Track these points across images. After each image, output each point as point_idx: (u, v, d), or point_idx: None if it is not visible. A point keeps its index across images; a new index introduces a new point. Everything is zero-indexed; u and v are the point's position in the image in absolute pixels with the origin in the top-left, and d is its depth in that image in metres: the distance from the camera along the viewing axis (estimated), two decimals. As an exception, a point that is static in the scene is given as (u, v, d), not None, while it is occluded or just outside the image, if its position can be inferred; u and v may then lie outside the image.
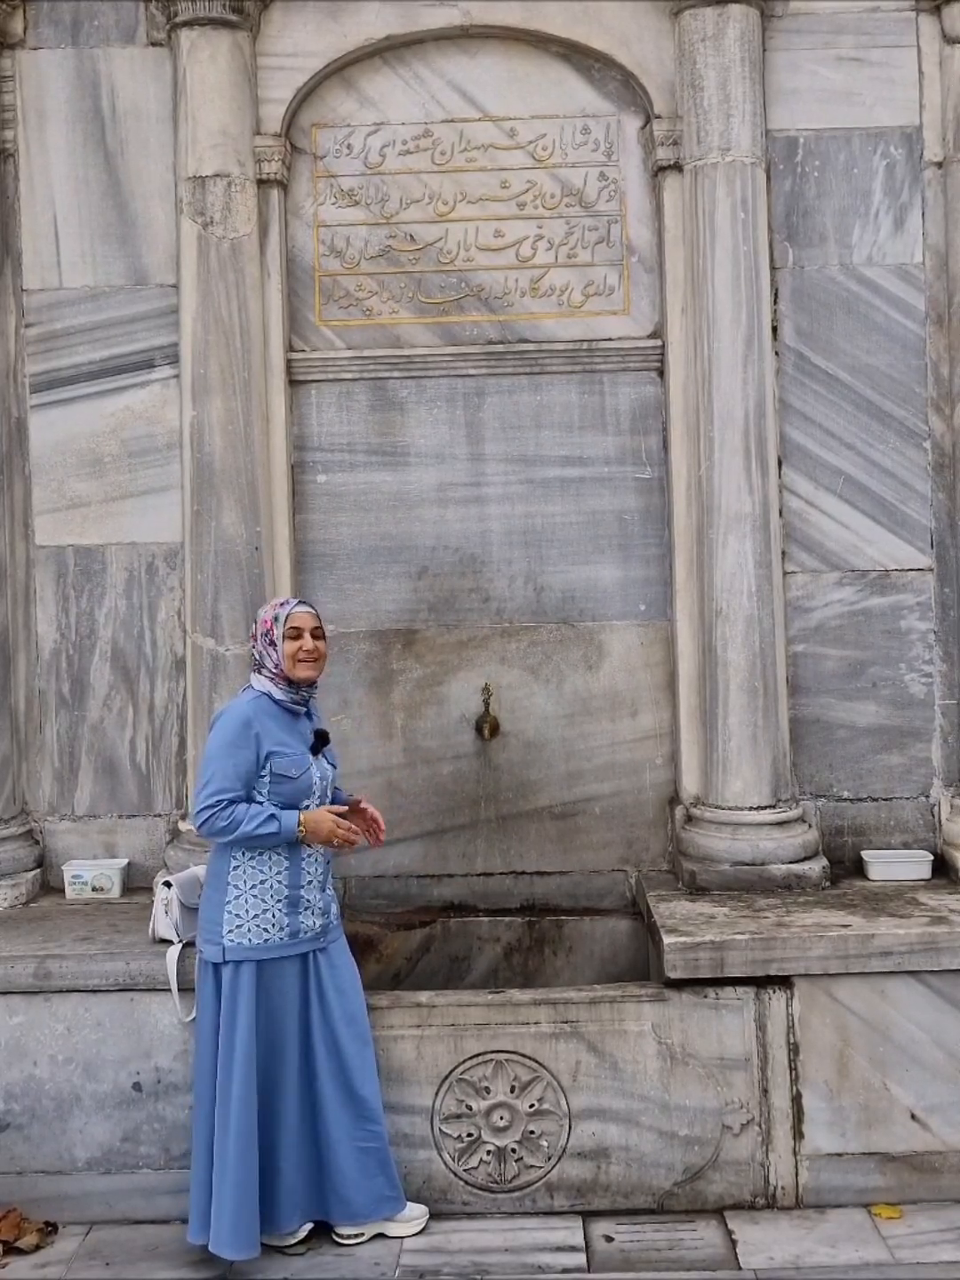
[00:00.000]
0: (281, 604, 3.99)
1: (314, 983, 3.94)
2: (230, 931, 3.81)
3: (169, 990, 4.11)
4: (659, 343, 4.90)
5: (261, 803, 3.82)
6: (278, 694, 3.90)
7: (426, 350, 4.95)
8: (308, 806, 3.86)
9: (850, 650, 4.91)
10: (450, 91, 4.95)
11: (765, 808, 4.69)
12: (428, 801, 5.04)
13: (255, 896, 3.84)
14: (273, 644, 3.89)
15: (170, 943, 4.18)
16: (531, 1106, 4.13)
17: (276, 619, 3.91)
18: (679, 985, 4.12)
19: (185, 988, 4.10)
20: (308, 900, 3.91)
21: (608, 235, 4.95)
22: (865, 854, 4.82)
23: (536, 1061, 4.13)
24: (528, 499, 4.99)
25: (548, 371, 4.96)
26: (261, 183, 4.83)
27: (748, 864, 4.62)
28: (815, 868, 4.64)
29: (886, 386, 4.86)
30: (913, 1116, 4.12)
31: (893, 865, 4.76)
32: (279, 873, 3.85)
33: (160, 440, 4.92)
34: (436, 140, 4.96)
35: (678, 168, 4.79)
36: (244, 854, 3.83)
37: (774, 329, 4.82)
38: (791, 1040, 4.11)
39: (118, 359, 4.93)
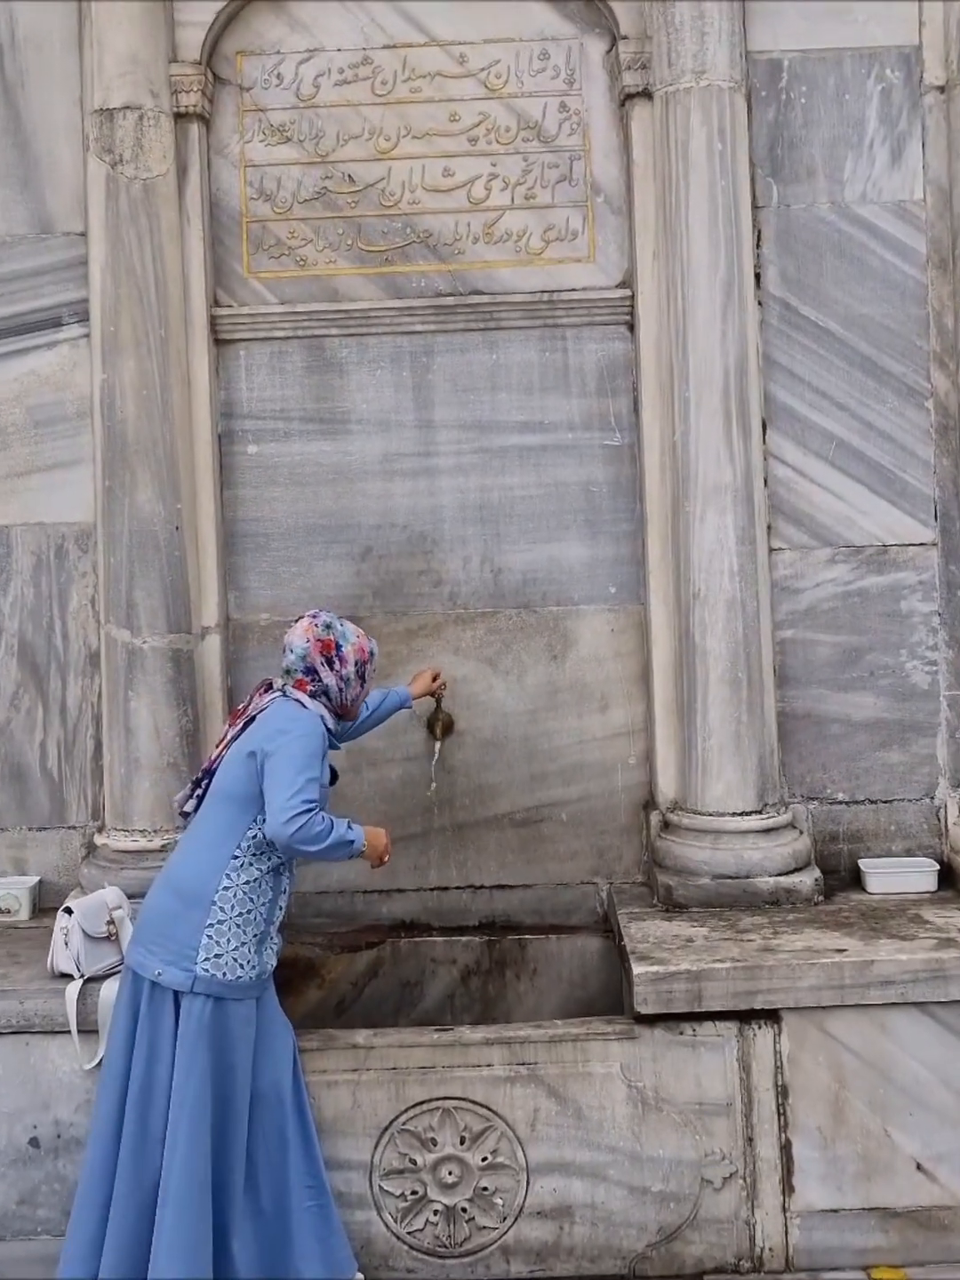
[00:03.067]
0: (369, 636, 3.65)
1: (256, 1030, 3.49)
2: (206, 960, 3.32)
3: (69, 1033, 3.58)
4: (628, 293, 4.37)
5: (244, 844, 3.43)
6: (330, 723, 3.54)
7: (368, 304, 4.42)
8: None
9: (845, 635, 4.39)
10: (392, 13, 4.42)
11: (750, 813, 4.18)
12: (375, 809, 4.53)
13: (237, 926, 3.37)
14: (362, 680, 3.58)
15: (70, 977, 3.66)
16: (484, 1160, 3.62)
17: (372, 654, 3.60)
18: (651, 1021, 3.61)
19: (86, 1029, 3.58)
20: (273, 939, 3.49)
21: (570, 173, 4.41)
22: (863, 863, 4.31)
23: (489, 1109, 3.62)
24: (483, 470, 4.46)
25: (504, 327, 4.43)
26: (179, 116, 4.29)
27: (731, 877, 4.11)
28: (806, 880, 4.12)
29: (883, 339, 4.33)
30: (918, 1167, 3.62)
31: (894, 876, 4.25)
32: (265, 903, 3.42)
33: (70, 408, 4.39)
34: (377, 68, 4.42)
35: (647, 95, 4.25)
36: (238, 874, 3.36)
37: (757, 276, 4.30)
38: (780, 1082, 3.61)
39: (20, 317, 4.40)
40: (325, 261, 4.45)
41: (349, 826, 3.40)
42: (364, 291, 4.44)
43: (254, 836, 3.37)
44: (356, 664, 3.55)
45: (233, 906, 3.36)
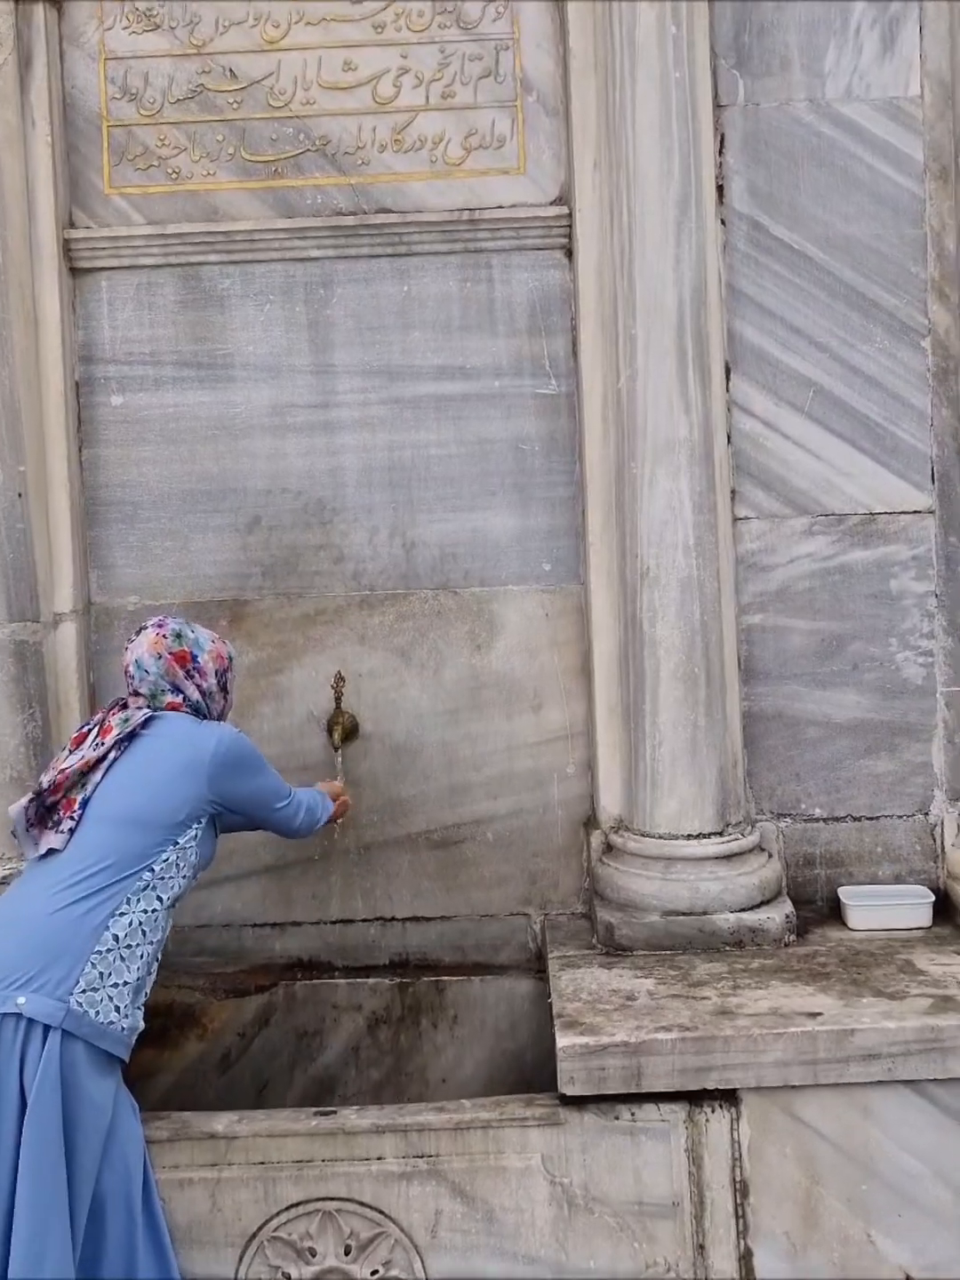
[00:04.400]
0: (225, 639, 3.30)
1: None
2: (84, 992, 2.78)
3: None
4: (565, 211, 3.63)
5: (155, 868, 2.95)
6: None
7: (253, 225, 3.68)
8: (189, 884, 3.06)
9: (824, 621, 3.67)
10: None
11: (708, 836, 3.47)
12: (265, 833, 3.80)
13: (122, 961, 2.87)
14: (225, 691, 3.20)
15: None
16: (374, 1273, 2.94)
17: (230, 660, 3.22)
18: (580, 1103, 2.92)
19: None
20: (145, 992, 2.95)
21: (496, 67, 3.66)
22: (844, 893, 3.61)
23: (380, 1211, 2.93)
24: (393, 424, 3.73)
25: (417, 252, 3.69)
26: (20, -4, 3.53)
27: (684, 913, 3.41)
28: (775, 917, 3.42)
29: (872, 265, 3.60)
30: (909, 1280, 2.92)
31: (881, 909, 3.55)
32: (152, 943, 2.95)
33: None
34: (264, -61, 3.67)
35: (587, -31, 3.50)
36: (137, 902, 2.88)
37: (719, 189, 3.56)
38: (738, 1177, 2.92)
39: None
40: (202, 174, 3.71)
41: (320, 799, 3.36)
42: (249, 210, 3.70)
43: (167, 861, 2.93)
44: (217, 673, 3.14)
45: (125, 935, 2.85)
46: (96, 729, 3.06)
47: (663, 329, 3.41)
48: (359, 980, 3.81)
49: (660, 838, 3.49)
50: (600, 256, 3.56)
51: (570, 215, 3.62)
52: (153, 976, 2.95)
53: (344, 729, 3.72)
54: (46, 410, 3.65)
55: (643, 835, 3.52)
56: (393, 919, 3.84)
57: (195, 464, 3.77)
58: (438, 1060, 3.77)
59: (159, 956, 2.98)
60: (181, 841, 2.96)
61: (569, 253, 3.65)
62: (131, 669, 3.10)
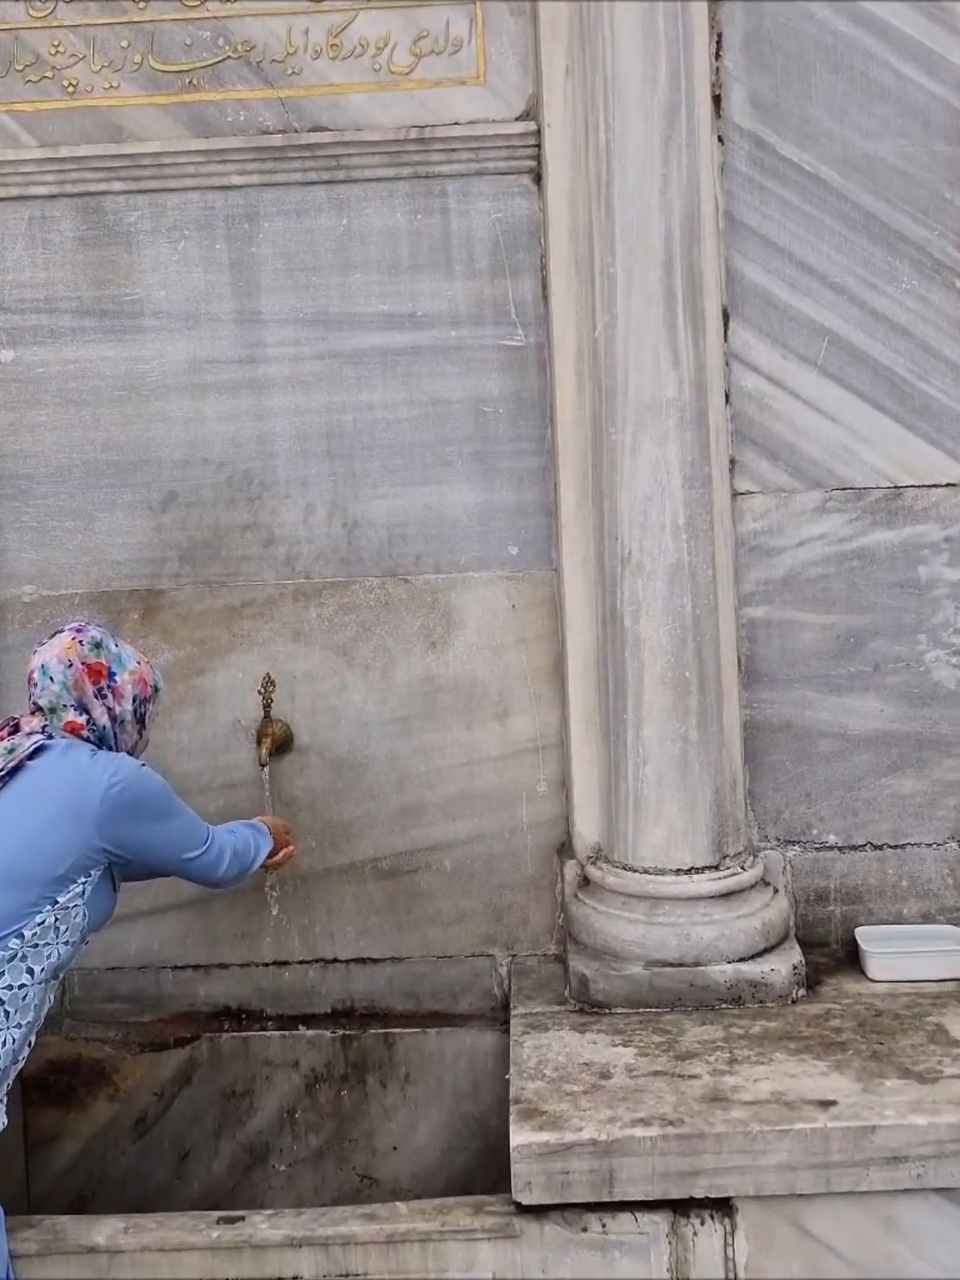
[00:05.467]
0: (153, 665, 2.75)
1: None
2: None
3: None
4: (532, 128, 3.05)
5: (25, 934, 2.40)
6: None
7: (164, 147, 3.11)
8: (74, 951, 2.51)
9: (840, 615, 3.11)
10: None
11: (702, 870, 2.92)
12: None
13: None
14: (141, 723, 2.66)
15: None
16: None
17: (156, 690, 2.69)
18: (541, 1211, 2.37)
19: None
20: (10, 1079, 2.44)
21: (451, -45, 3.08)
22: (862, 936, 3.06)
23: (296, 1343, 2.38)
24: (331, 383, 3.16)
25: (358, 178, 3.12)
26: None
27: (672, 965, 2.86)
28: (781, 968, 2.87)
29: (898, 190, 3.02)
30: None
31: (906, 956, 3.00)
32: (22, 1024, 2.40)
33: None
34: None
35: None
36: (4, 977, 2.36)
37: (715, 99, 2.99)
38: (734, 1302, 2.37)
39: None
40: (104, 86, 3.13)
41: (255, 836, 2.83)
42: (159, 129, 3.13)
43: (42, 924, 2.41)
44: (135, 701, 2.62)
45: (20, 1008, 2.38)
46: None
47: (647, 267, 2.85)
48: (295, 1032, 3.28)
49: (644, 872, 2.94)
50: (574, 181, 2.99)
51: (538, 133, 3.04)
52: (19, 1063, 2.43)
53: (275, 740, 3.17)
54: (-80, 367, 3.09)
55: (624, 869, 2.96)
56: (335, 960, 3.30)
57: (100, 430, 3.21)
58: (388, 1125, 3.24)
59: (31, 1040, 2.46)
60: (62, 900, 2.42)
61: (537, 178, 3.08)
62: (35, 675, 2.58)
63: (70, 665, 2.54)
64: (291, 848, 2.95)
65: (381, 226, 3.13)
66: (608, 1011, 2.86)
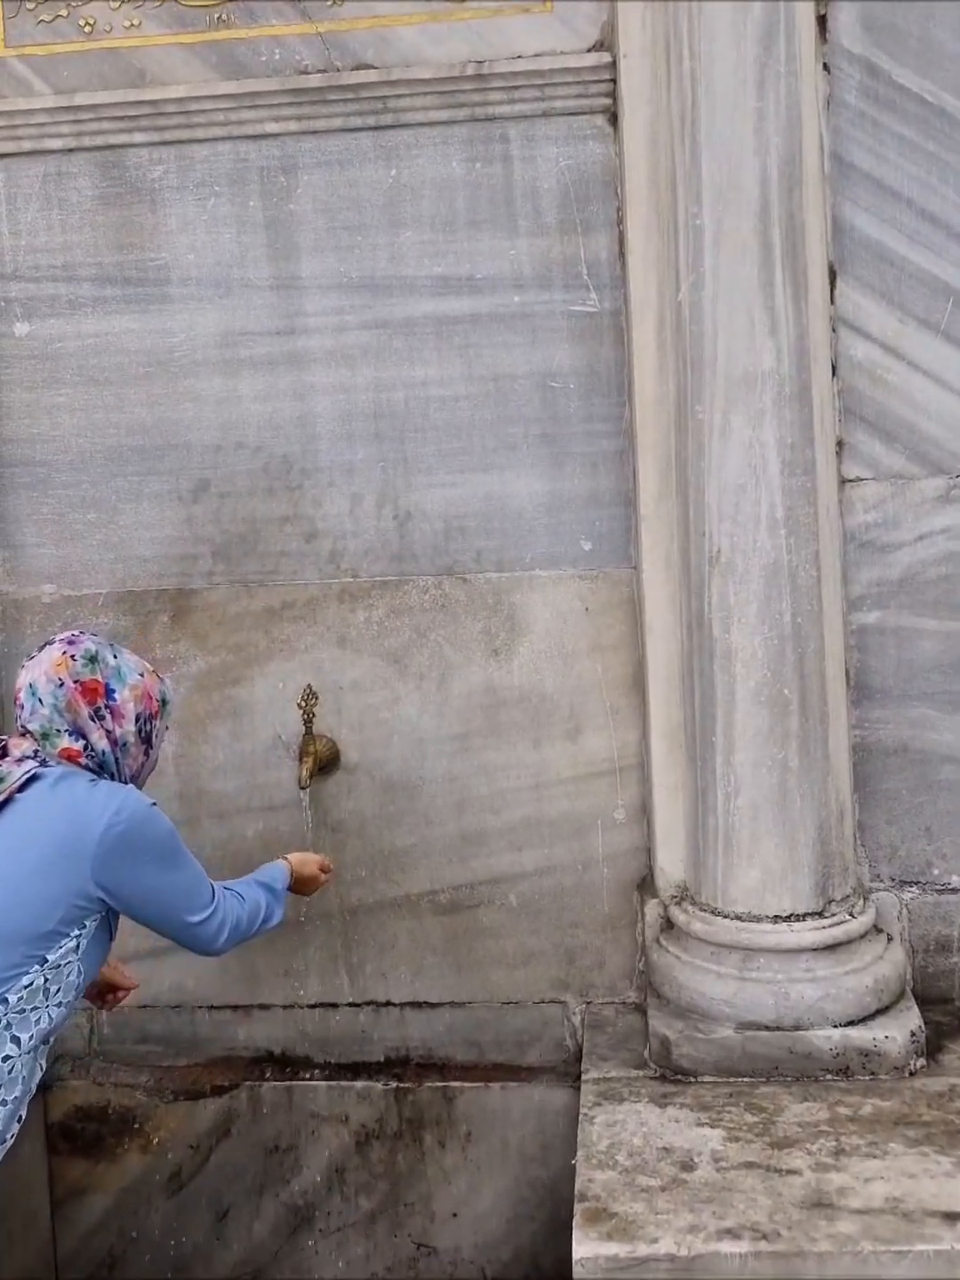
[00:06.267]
0: (160, 674, 2.36)
1: None
2: None
3: None
4: (607, 59, 2.65)
5: (11, 999, 2.06)
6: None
7: (191, 92, 2.75)
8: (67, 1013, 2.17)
9: (963, 619, 2.69)
10: None
11: (803, 917, 2.53)
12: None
13: None
14: (147, 743, 2.28)
15: None
16: None
17: (164, 703, 2.32)
18: (610, 1335, 2.00)
19: None
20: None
21: None
22: (989, 989, 2.64)
23: None
24: (380, 356, 2.79)
25: (408, 123, 2.74)
26: None
27: (768, 1028, 2.47)
28: (896, 1035, 2.47)
29: (1036, 123, 2.57)
30: None
31: (1041, 1015, 2.57)
32: (16, 1095, 2.10)
33: None
34: None
35: None
36: (22, 1032, 2.07)
37: (820, 20, 2.57)
38: None
39: None
40: (125, 25, 2.78)
41: (268, 902, 2.40)
42: (186, 72, 2.77)
43: (30, 987, 2.08)
44: (138, 719, 2.25)
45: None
46: None
47: (740, 217, 2.44)
48: (344, 1083, 2.95)
49: (736, 918, 2.54)
50: (654, 120, 2.58)
51: (613, 65, 2.64)
52: (7, 1142, 2.10)
53: (318, 758, 2.82)
54: (-76, 344, 2.76)
55: (713, 913, 2.58)
56: (388, 1004, 2.95)
57: (124, 412, 2.87)
58: (447, 1188, 2.91)
59: (21, 1114, 2.13)
60: (53, 958, 2.08)
61: (613, 117, 2.67)
62: (22, 695, 2.23)
63: (61, 684, 2.19)
64: (324, 878, 2.60)
65: (434, 177, 2.74)
66: (693, 1080, 2.49)
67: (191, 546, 2.89)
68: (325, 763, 2.86)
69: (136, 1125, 3.00)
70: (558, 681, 2.82)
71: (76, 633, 2.29)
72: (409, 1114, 2.92)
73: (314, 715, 2.81)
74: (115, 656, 2.26)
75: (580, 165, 2.70)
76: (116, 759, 2.21)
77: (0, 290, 2.88)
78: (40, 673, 2.22)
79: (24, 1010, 2.05)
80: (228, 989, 2.99)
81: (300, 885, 2.52)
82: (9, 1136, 2.08)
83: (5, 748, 2.23)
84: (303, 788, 2.75)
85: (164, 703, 2.30)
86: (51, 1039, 2.14)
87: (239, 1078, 2.98)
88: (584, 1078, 2.57)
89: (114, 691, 2.22)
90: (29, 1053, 2.07)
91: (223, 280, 2.81)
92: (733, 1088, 2.45)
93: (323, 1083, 2.94)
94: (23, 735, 2.22)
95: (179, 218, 2.81)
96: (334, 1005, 2.97)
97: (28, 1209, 2.98)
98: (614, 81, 2.64)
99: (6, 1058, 2.03)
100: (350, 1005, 2.96)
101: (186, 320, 2.83)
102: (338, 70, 2.72)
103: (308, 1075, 2.96)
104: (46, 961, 2.06)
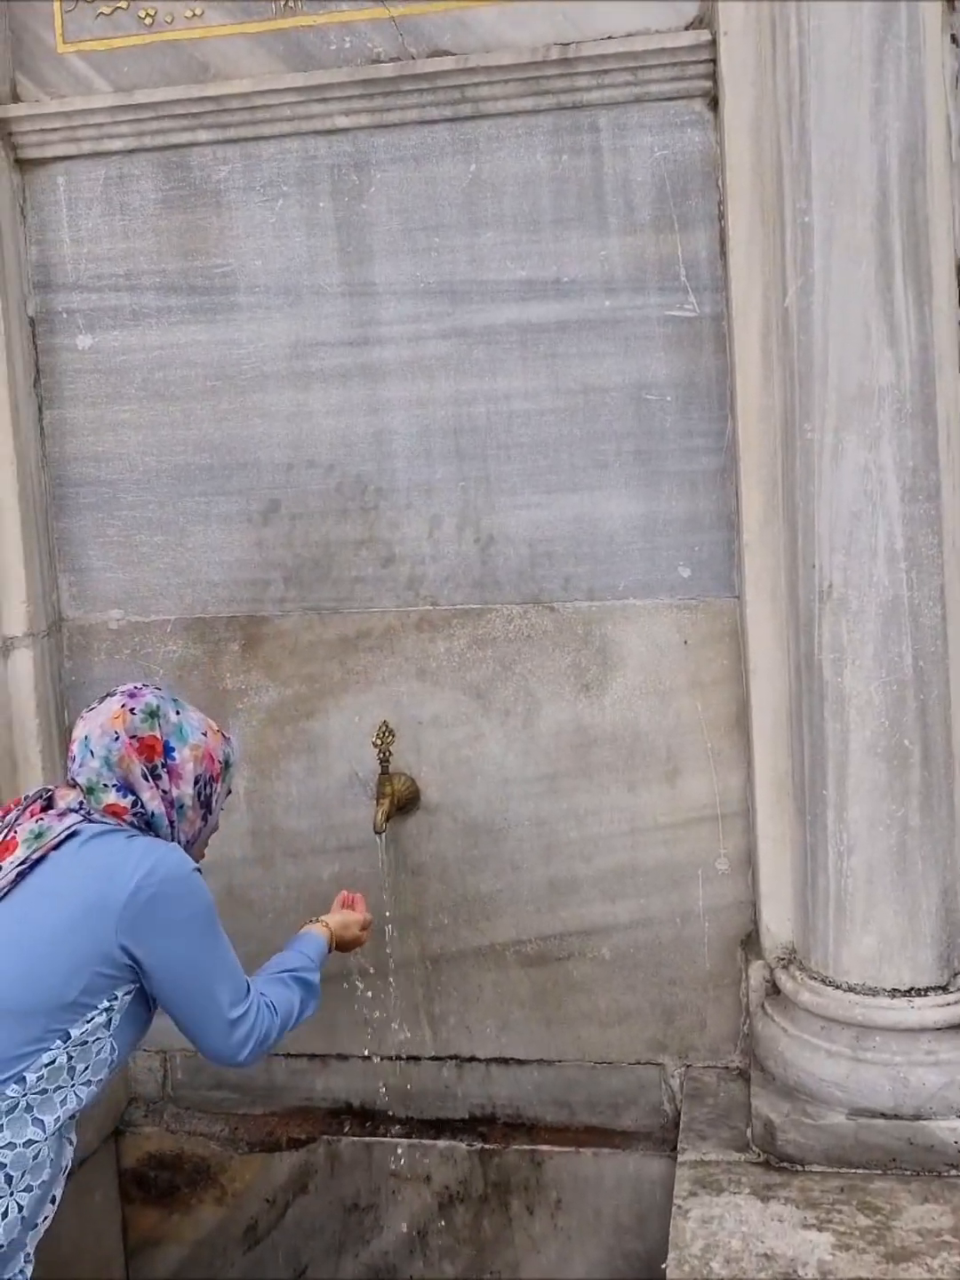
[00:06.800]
0: (226, 733, 2.17)
1: None
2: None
3: None
4: (706, 38, 2.40)
5: (29, 1078, 1.87)
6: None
7: (256, 85, 2.55)
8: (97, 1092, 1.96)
9: None
10: None
11: (925, 992, 2.29)
12: (298, 927, 2.75)
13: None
14: (206, 808, 2.09)
15: None
16: None
17: (228, 766, 2.14)
18: None
19: None
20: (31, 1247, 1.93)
21: None
22: None
23: None
24: (459, 367, 2.58)
25: (489, 113, 2.51)
26: None
27: (885, 1115, 2.24)
28: (1028, 1124, 2.21)
29: None
30: None
31: None
32: (41, 1180, 1.89)
33: None
34: None
35: None
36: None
37: (948, -13, 2.27)
38: None
39: None
40: (186, 15, 2.59)
41: (303, 999, 2.12)
42: (250, 63, 2.57)
43: (53, 1065, 1.87)
44: (198, 782, 2.06)
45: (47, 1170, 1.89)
46: (4, 839, 2.02)
47: (854, 212, 2.17)
48: (427, 1141, 2.79)
49: (849, 990, 2.31)
50: (758, 105, 2.33)
51: (713, 44, 2.38)
52: (38, 1229, 1.90)
53: (396, 798, 2.64)
54: (-18, 359, 2.62)
55: (823, 982, 2.34)
56: (473, 1059, 2.78)
57: (191, 428, 2.70)
58: (536, 1258, 2.73)
59: (54, 1195, 1.93)
60: (78, 1033, 1.89)
61: (713, 102, 2.42)
62: (75, 747, 2.06)
63: (116, 738, 2.02)
64: (365, 936, 2.35)
65: (518, 172, 2.51)
66: (800, 1169, 2.26)
67: (262, 571, 2.71)
68: (404, 802, 2.68)
69: (211, 1176, 2.86)
70: (654, 720, 2.59)
71: (140, 685, 2.12)
72: (495, 1177, 2.74)
73: (390, 754, 2.63)
74: (178, 713, 2.08)
75: (677, 155, 2.45)
76: (171, 822, 2.03)
77: (62, 301, 2.72)
78: (96, 724, 2.05)
79: (46, 1090, 1.86)
80: (305, 1037, 2.81)
81: (340, 947, 2.29)
82: (40, 1220, 1.90)
83: (51, 799, 2.08)
84: (378, 832, 2.57)
85: (227, 766, 2.11)
86: (74, 1120, 1.96)
87: (316, 1130, 2.83)
88: (680, 1158, 2.36)
89: (173, 750, 2.04)
90: (55, 1135, 1.89)
91: (292, 287, 2.62)
92: (844, 1181, 2.22)
93: (403, 1140, 2.78)
94: (72, 786, 2.06)
95: (245, 221, 2.62)
96: (416, 1058, 2.79)
97: (100, 1255, 2.86)
98: (714, 62, 2.38)
99: (30, 1142, 1.85)
100: (433, 1059, 2.79)
101: (254, 330, 2.64)
102: (412, 58, 2.50)
103: (387, 1130, 2.80)
104: (70, 1038, 1.87)
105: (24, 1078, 1.85)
